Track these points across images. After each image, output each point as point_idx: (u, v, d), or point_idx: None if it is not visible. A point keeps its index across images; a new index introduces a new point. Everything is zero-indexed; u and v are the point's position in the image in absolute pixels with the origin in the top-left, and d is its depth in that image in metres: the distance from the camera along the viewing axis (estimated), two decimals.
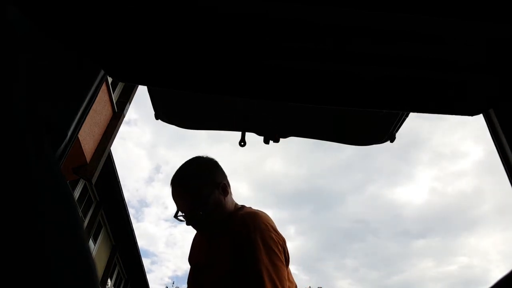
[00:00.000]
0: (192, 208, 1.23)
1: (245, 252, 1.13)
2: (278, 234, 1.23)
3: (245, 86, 1.07)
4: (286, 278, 1.16)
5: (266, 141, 1.56)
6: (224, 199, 1.30)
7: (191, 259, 1.41)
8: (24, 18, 0.82)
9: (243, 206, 1.38)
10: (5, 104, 0.27)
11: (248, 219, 1.22)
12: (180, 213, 1.27)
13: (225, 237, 1.22)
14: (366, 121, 1.43)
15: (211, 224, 1.26)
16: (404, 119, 1.33)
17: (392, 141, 1.44)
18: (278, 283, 1.09)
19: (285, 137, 1.55)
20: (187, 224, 1.26)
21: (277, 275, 1.11)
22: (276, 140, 1.57)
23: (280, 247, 1.19)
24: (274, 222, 1.28)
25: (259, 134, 1.55)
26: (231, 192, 1.36)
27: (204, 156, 1.40)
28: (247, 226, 1.19)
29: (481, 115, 1.04)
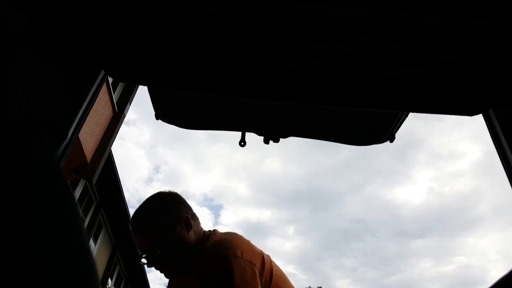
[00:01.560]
0: (151, 247, 1.16)
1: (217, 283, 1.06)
2: (252, 256, 1.14)
3: (245, 86, 1.07)
4: None
5: (266, 141, 1.56)
6: (188, 233, 1.22)
7: None
8: (24, 18, 0.82)
9: (212, 234, 1.28)
10: (5, 104, 0.27)
11: (215, 253, 1.14)
12: (143, 256, 1.20)
13: (196, 277, 1.14)
14: (366, 121, 1.43)
15: (175, 263, 1.18)
16: (404, 119, 1.33)
17: (391, 141, 1.44)
18: None
19: (285, 137, 1.55)
20: (148, 266, 1.18)
21: None
22: (276, 140, 1.57)
23: (254, 272, 1.11)
24: (248, 242, 1.21)
25: (259, 134, 1.55)
26: (197, 223, 1.29)
27: (165, 191, 1.33)
28: (215, 260, 1.11)
29: (480, 115, 1.04)
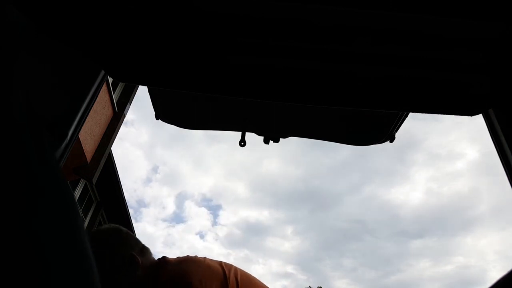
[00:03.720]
0: None
1: None
2: (211, 280, 1.07)
3: (245, 86, 1.07)
4: None
5: (266, 141, 1.56)
6: (135, 272, 1.11)
7: None
8: (25, 18, 0.82)
9: (163, 264, 1.16)
10: (5, 104, 0.27)
11: (170, 278, 1.06)
12: None
13: None
14: (366, 121, 1.43)
15: None
16: (404, 119, 1.33)
17: (391, 141, 1.44)
18: None
19: (285, 137, 1.55)
20: None
21: None
22: (276, 140, 1.57)
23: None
24: (203, 265, 1.12)
25: (259, 134, 1.56)
26: (146, 256, 1.18)
27: (102, 229, 1.19)
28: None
29: (480, 115, 1.04)
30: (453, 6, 0.78)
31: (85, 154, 6.58)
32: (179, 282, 1.03)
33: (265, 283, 1.24)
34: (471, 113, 1.04)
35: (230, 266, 1.17)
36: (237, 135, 1.60)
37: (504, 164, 0.96)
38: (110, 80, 6.85)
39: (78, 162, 6.68)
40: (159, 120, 1.54)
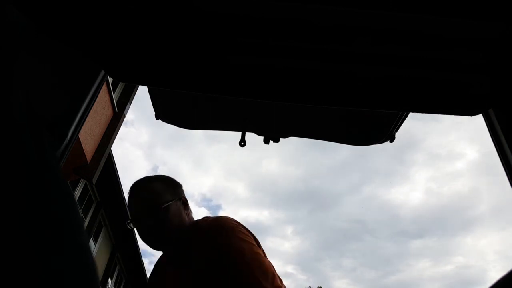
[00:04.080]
0: (149, 213, 1.15)
1: (227, 257, 1.07)
2: (248, 230, 1.19)
3: (245, 86, 1.07)
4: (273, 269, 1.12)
5: (266, 141, 1.56)
6: (184, 212, 1.24)
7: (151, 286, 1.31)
8: (24, 18, 0.82)
9: (203, 218, 1.30)
10: (5, 104, 0.27)
11: (214, 225, 1.17)
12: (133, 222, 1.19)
13: (195, 248, 1.15)
14: (366, 121, 1.43)
15: (167, 233, 1.17)
16: (404, 119, 1.33)
17: (391, 141, 1.44)
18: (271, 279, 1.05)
19: (285, 137, 1.55)
20: (140, 231, 1.17)
21: (267, 269, 1.07)
22: (276, 140, 1.57)
23: (254, 242, 1.15)
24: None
25: (259, 134, 1.55)
26: (191, 211, 1.30)
27: (162, 175, 1.35)
28: (217, 231, 1.13)
29: (480, 115, 1.04)
30: (453, 6, 0.78)
31: (85, 154, 6.58)
32: (217, 224, 1.16)
33: None
34: (471, 113, 1.04)
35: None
36: (237, 135, 1.60)
37: (504, 164, 0.96)
38: (110, 80, 6.85)
39: (78, 162, 6.68)
40: (159, 120, 1.54)
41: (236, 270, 1.06)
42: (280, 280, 1.14)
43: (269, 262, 1.13)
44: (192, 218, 1.28)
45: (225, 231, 1.13)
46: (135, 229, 1.21)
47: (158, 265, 1.35)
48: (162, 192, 1.21)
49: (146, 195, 1.19)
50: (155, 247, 1.21)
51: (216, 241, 1.11)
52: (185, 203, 1.27)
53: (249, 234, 1.17)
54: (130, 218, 1.19)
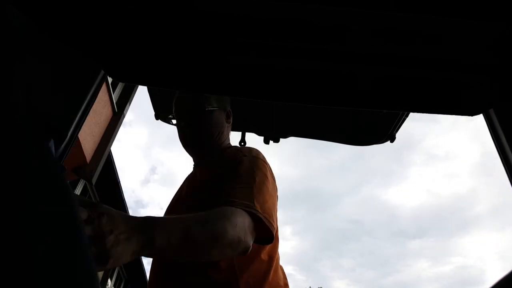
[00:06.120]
0: (194, 113, 1.16)
1: (235, 171, 1.00)
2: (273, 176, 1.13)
3: (245, 86, 1.07)
4: (276, 211, 1.05)
5: (266, 141, 1.56)
6: (225, 124, 1.25)
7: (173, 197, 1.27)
8: (24, 18, 0.82)
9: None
10: (5, 104, 0.27)
11: (244, 148, 1.17)
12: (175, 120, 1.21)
13: (215, 163, 1.13)
14: (366, 121, 1.43)
15: (205, 136, 1.16)
16: (404, 119, 1.33)
17: (392, 141, 1.44)
18: (269, 210, 0.93)
19: (285, 137, 1.55)
20: (186, 127, 1.16)
21: (269, 201, 0.96)
22: (276, 140, 1.57)
23: (275, 182, 1.09)
24: None
25: (259, 134, 1.56)
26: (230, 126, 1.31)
27: None
28: (241, 152, 1.10)
29: (481, 115, 1.04)
30: (453, 6, 0.78)
31: (85, 154, 6.57)
32: (246, 149, 1.14)
33: None
34: (471, 113, 1.04)
35: None
36: (237, 135, 1.60)
37: (504, 164, 0.96)
38: (110, 80, 6.85)
39: (78, 162, 6.67)
40: (158, 121, 1.54)
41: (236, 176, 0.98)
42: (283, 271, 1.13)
43: (274, 202, 1.02)
44: (228, 134, 1.28)
45: (249, 155, 1.09)
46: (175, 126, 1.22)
47: (185, 180, 1.32)
48: (209, 96, 1.20)
49: (195, 96, 1.19)
50: (189, 147, 1.21)
51: (234, 159, 1.08)
52: (228, 115, 1.27)
53: (271, 172, 1.11)
54: (173, 113, 1.20)
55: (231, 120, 1.29)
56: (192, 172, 1.27)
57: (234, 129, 1.56)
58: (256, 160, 1.07)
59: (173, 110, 1.22)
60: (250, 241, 0.84)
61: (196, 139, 1.18)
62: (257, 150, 1.15)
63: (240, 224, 0.81)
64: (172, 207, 1.17)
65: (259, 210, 0.88)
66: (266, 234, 0.91)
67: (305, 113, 1.45)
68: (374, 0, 0.78)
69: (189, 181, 1.22)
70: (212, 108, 1.18)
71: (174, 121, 1.20)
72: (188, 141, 1.20)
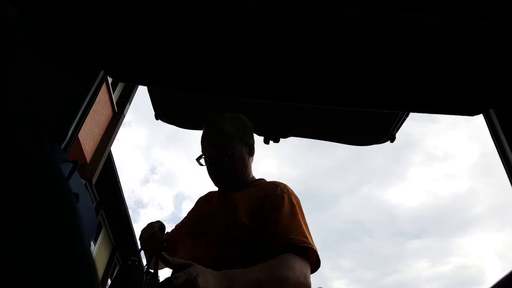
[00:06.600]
0: (222, 148, 1.22)
1: (277, 204, 1.10)
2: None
3: (245, 86, 1.07)
4: None
5: (266, 141, 1.56)
6: (248, 158, 1.30)
7: (191, 214, 1.34)
8: (24, 18, 0.82)
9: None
10: (4, 105, 0.27)
11: (278, 183, 1.22)
12: (202, 158, 1.26)
13: (249, 190, 1.21)
14: (366, 121, 1.43)
15: (230, 173, 1.24)
16: (404, 119, 1.33)
17: (392, 141, 1.44)
18: (312, 242, 1.05)
19: (285, 137, 1.55)
20: (211, 166, 1.23)
21: (310, 234, 1.08)
22: (276, 140, 1.57)
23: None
24: None
25: (259, 134, 1.55)
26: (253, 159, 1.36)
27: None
28: (278, 186, 1.18)
29: (481, 115, 1.04)
30: (453, 6, 0.78)
31: (85, 154, 6.58)
32: (281, 184, 1.22)
33: None
34: (471, 113, 1.04)
35: None
36: None
37: (504, 164, 0.96)
38: (110, 80, 6.85)
39: None
40: (158, 121, 1.54)
41: (271, 213, 1.08)
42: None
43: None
44: (251, 167, 1.33)
45: (285, 189, 1.17)
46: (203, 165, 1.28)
47: (201, 199, 1.39)
48: (231, 136, 1.25)
49: (225, 133, 1.24)
50: (217, 183, 1.28)
51: (273, 191, 1.16)
52: (250, 148, 1.31)
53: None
54: (201, 153, 1.26)
55: (254, 151, 1.33)
56: (214, 193, 1.34)
57: None
58: (294, 197, 1.17)
59: (201, 147, 1.29)
60: (309, 280, 0.99)
61: (221, 178, 1.26)
62: (287, 185, 1.23)
63: (299, 268, 0.96)
64: (195, 225, 1.22)
65: (312, 243, 1.02)
66: (316, 263, 1.06)
67: (305, 113, 1.45)
68: (374, 0, 0.78)
69: (214, 202, 1.27)
70: (233, 149, 1.23)
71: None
72: (213, 179, 1.28)
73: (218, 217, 1.14)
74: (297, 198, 1.18)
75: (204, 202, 1.35)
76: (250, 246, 1.03)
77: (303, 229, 1.05)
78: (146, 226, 1.12)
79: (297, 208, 1.12)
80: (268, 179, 1.33)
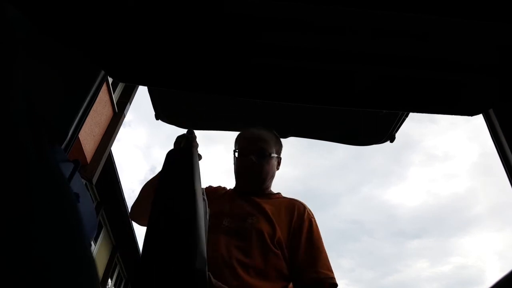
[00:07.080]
0: (265, 153, 1.31)
1: (307, 235, 1.19)
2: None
3: (245, 86, 1.07)
4: None
5: None
6: (275, 171, 1.40)
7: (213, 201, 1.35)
8: (25, 18, 0.82)
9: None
10: (4, 105, 0.27)
11: (300, 203, 1.30)
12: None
13: (274, 203, 1.28)
14: (366, 121, 1.43)
15: (262, 180, 1.33)
16: (404, 119, 1.33)
17: (392, 141, 1.44)
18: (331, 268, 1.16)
19: (285, 137, 1.55)
20: (258, 161, 1.30)
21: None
22: None
23: None
24: None
25: None
26: None
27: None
28: (305, 208, 1.27)
29: (481, 115, 1.04)
30: (453, 6, 0.78)
31: (85, 154, 6.57)
32: (294, 202, 1.30)
33: None
34: (471, 113, 1.04)
35: None
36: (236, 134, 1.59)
37: (504, 164, 0.96)
38: (110, 80, 6.85)
39: None
40: (158, 121, 1.54)
41: (305, 237, 1.18)
42: None
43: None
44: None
45: (310, 212, 1.28)
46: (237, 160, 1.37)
47: (224, 191, 1.44)
48: (274, 144, 1.37)
49: (265, 138, 1.34)
50: (248, 179, 1.35)
51: (300, 209, 1.26)
52: (279, 163, 1.42)
53: None
54: (238, 149, 1.36)
55: (279, 167, 1.43)
56: (230, 192, 1.41)
57: (234, 129, 1.56)
58: (315, 220, 1.26)
59: (240, 143, 1.37)
60: None
61: (258, 176, 1.33)
62: (306, 204, 1.32)
63: None
64: (227, 220, 1.25)
65: (333, 277, 1.12)
66: None
67: (305, 113, 1.45)
68: (374, 0, 0.78)
69: (238, 203, 1.31)
70: (272, 155, 1.34)
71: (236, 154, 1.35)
72: (245, 177, 1.35)
73: (259, 226, 1.18)
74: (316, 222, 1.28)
75: (222, 196, 1.39)
76: (283, 263, 1.13)
77: (329, 263, 1.16)
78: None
79: (320, 235, 1.22)
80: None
